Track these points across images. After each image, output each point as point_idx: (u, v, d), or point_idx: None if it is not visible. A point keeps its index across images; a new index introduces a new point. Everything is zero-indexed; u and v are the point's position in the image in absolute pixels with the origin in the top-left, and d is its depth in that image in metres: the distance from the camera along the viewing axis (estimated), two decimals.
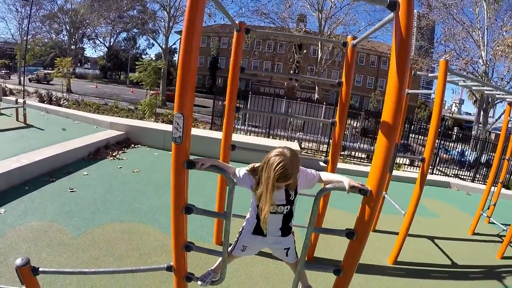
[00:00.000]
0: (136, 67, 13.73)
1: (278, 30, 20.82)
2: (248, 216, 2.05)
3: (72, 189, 4.31)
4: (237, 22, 2.61)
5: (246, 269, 3.06)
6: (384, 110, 1.59)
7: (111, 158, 5.93)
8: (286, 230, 1.95)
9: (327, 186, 1.75)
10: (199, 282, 1.98)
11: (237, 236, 2.12)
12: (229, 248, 2.10)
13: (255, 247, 2.10)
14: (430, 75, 3.97)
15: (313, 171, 1.89)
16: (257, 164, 1.81)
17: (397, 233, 3.73)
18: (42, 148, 5.29)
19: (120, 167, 5.47)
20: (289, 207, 1.84)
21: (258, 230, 1.94)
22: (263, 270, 3.10)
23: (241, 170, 1.84)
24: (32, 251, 2.89)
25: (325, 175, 1.90)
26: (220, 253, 1.81)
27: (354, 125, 13.99)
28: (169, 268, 1.84)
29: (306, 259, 1.99)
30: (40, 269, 1.79)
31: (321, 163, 3.07)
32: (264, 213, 1.69)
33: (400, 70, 1.50)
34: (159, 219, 3.84)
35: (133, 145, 7.00)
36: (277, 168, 1.61)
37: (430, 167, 6.61)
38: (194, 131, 8.09)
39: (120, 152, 6.37)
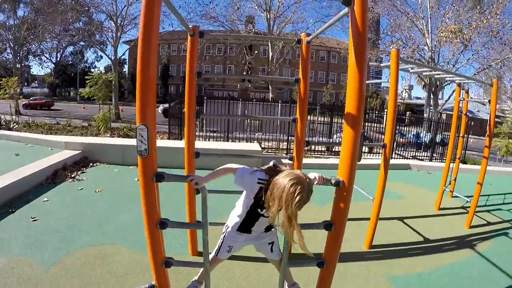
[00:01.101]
0: (87, 81, 13.16)
1: (227, 33, 20.91)
2: (232, 214, 2.01)
3: (34, 218, 4.02)
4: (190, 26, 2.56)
5: (227, 275, 3.03)
6: (347, 102, 1.63)
7: (71, 180, 5.62)
8: (269, 227, 1.97)
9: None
10: None
11: (220, 239, 2.08)
12: (213, 253, 2.06)
13: (240, 245, 2.09)
14: (382, 64, 4.15)
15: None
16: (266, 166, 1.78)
17: (367, 219, 3.87)
18: None
19: (81, 189, 5.20)
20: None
21: (243, 228, 1.94)
22: (244, 274, 3.09)
23: (244, 175, 1.79)
24: None
25: None
26: (202, 264, 1.75)
27: (312, 119, 14.33)
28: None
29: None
30: None
31: (287, 160, 3.09)
32: (295, 239, 1.61)
33: (359, 62, 1.54)
34: (129, 237, 3.69)
35: (91, 164, 6.67)
36: (297, 200, 1.51)
37: None
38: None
39: (79, 172, 6.05)
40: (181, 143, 7.47)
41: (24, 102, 27.11)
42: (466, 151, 13.86)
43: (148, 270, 3.00)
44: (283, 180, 1.56)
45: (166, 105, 31.42)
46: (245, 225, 1.93)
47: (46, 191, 5.02)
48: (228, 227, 2.03)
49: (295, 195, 1.50)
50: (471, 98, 5.90)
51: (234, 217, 2.00)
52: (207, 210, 1.66)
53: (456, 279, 3.28)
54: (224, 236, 2.06)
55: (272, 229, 2.01)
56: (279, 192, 1.54)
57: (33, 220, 3.97)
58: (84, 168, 6.37)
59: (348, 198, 1.67)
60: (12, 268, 2.98)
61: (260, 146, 9.87)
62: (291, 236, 1.58)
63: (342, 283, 3.03)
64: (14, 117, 16.46)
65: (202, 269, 2.05)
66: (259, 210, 1.85)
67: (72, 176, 5.80)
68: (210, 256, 1.97)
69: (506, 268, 3.51)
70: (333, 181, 1.67)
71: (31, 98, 32.64)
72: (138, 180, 5.07)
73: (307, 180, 1.57)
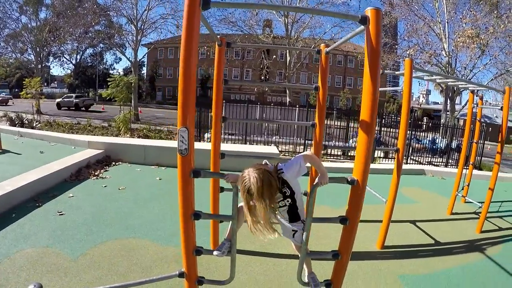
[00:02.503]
0: (108, 83, 13.56)
1: (246, 37, 21.07)
2: None
3: (60, 212, 4.25)
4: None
5: (246, 269, 3.20)
6: (362, 109, 1.81)
7: (94, 177, 5.88)
8: (294, 217, 2.13)
9: (317, 182, 1.93)
10: (215, 253, 2.04)
11: None
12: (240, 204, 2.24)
13: None
14: (397, 73, 4.29)
15: (296, 161, 2.00)
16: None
17: (380, 221, 4.00)
18: (23, 173, 5.16)
19: (105, 186, 5.45)
20: (289, 199, 2.01)
21: None
22: (262, 269, 3.25)
23: None
24: (32, 278, 2.83)
25: (308, 159, 2.04)
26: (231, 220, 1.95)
27: (328, 124, 14.37)
28: (181, 275, 1.94)
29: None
30: None
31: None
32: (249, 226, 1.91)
33: (373, 74, 1.72)
34: (153, 232, 3.90)
35: (114, 163, 6.94)
36: (242, 189, 1.79)
37: (404, 157, 6.94)
38: (175, 144, 8.14)
39: (102, 170, 6.32)
40: (200, 145, 7.71)
41: None
42: (483, 158, 13.71)
43: (172, 262, 3.24)
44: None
45: (60, 99, 31.69)
46: None
47: (70, 187, 5.27)
48: None
49: (241, 185, 1.79)
50: (486, 104, 5.94)
51: None
52: (236, 204, 1.85)
53: (465, 281, 3.38)
54: None
55: (299, 221, 2.15)
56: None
57: (59, 214, 4.20)
58: (107, 167, 6.64)
59: (361, 196, 1.85)
60: (41, 257, 3.17)
61: (278, 149, 10.04)
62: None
63: (354, 279, 3.18)
64: (35, 116, 17.04)
65: (229, 227, 2.17)
66: None
67: (96, 174, 6.06)
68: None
69: None
70: (349, 179, 1.85)
71: None
72: (160, 179, 5.32)
73: (254, 170, 1.80)
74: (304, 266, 2.29)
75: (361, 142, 1.82)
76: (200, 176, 1.68)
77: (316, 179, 1.94)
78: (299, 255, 2.06)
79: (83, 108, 31.10)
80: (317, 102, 3.04)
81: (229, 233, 2.20)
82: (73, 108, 30.74)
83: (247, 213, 1.87)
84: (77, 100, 31.24)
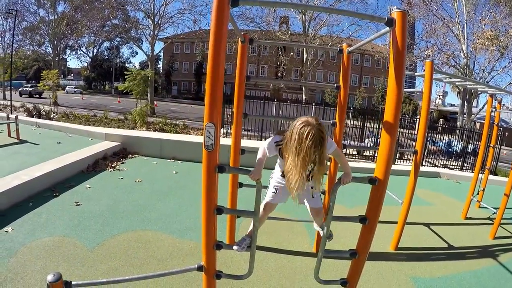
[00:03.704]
0: (125, 76, 13.73)
1: (263, 34, 21.00)
2: (274, 170, 2.31)
3: (77, 202, 4.33)
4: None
5: (261, 265, 3.24)
6: (386, 110, 1.83)
7: (111, 169, 5.98)
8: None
9: (341, 180, 1.96)
10: (234, 247, 2.09)
11: (267, 189, 2.33)
12: (263, 202, 2.29)
13: (285, 189, 2.23)
14: (416, 74, 4.25)
15: (331, 142, 2.09)
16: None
17: (395, 222, 3.98)
18: (40, 163, 5.28)
19: (121, 178, 5.54)
20: (313, 165, 2.03)
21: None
22: (276, 265, 3.29)
23: (267, 147, 2.09)
24: (49, 267, 2.86)
25: (339, 151, 2.14)
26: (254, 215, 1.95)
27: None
28: (199, 268, 1.97)
29: (314, 251, 2.15)
30: (73, 283, 1.78)
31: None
32: (293, 185, 1.89)
33: (398, 75, 1.73)
34: (169, 225, 3.96)
35: (130, 155, 7.05)
36: (308, 138, 1.77)
37: None
38: (191, 138, 8.22)
39: (118, 163, 6.43)
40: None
41: None
42: (499, 163, 13.43)
43: (188, 255, 3.29)
44: (293, 128, 1.84)
45: (21, 88, 34.89)
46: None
47: (87, 178, 5.36)
48: (272, 178, 2.32)
49: (306, 134, 1.77)
50: (506, 108, 5.83)
51: (277, 172, 2.27)
52: (259, 200, 1.88)
53: (476, 285, 3.35)
54: (270, 181, 2.32)
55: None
56: (292, 139, 1.83)
57: (76, 205, 4.27)
58: (124, 159, 6.76)
59: (382, 196, 1.87)
60: (58, 246, 3.22)
61: None
62: (318, 179, 1.98)
63: (367, 279, 3.18)
64: (52, 107, 17.39)
65: (251, 225, 2.24)
66: None
67: (112, 166, 6.17)
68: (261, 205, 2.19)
69: None
70: (370, 179, 1.87)
71: None
72: (176, 173, 5.39)
73: (316, 122, 1.82)
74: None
75: (384, 142, 1.83)
76: (225, 171, 1.71)
77: (340, 177, 1.96)
78: (319, 250, 2.07)
79: (36, 96, 34.55)
80: (338, 101, 3.04)
81: (250, 230, 2.25)
82: (27, 95, 34.74)
83: (301, 163, 1.82)
84: (30, 89, 35.79)
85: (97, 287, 2.42)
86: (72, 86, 43.77)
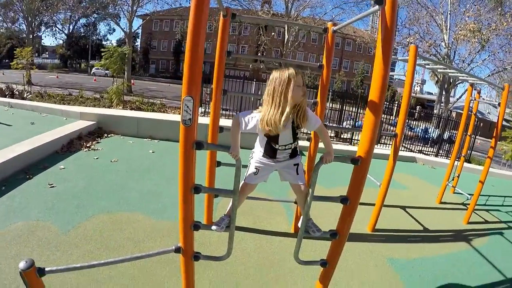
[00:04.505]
0: (102, 54, 13.22)
1: (244, 12, 20.55)
2: (254, 150, 2.23)
3: (51, 184, 4.15)
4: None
5: (240, 246, 3.22)
6: (371, 90, 1.79)
7: (86, 149, 5.78)
8: (294, 154, 2.16)
9: (322, 159, 1.92)
10: (213, 227, 2.02)
11: (247, 168, 2.26)
12: (242, 182, 2.21)
13: (266, 169, 2.20)
14: (400, 58, 4.23)
15: (316, 118, 2.07)
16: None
17: (372, 204, 4.05)
18: (13, 145, 5.00)
19: (97, 158, 5.37)
20: (295, 143, 2.07)
21: (267, 154, 2.12)
22: (255, 245, 3.28)
23: (246, 118, 2.02)
24: (23, 253, 2.76)
25: (323, 128, 2.10)
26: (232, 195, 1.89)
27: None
28: (177, 250, 1.91)
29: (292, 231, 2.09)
30: (46, 269, 1.68)
31: (305, 141, 3.28)
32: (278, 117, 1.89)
33: (385, 55, 1.69)
34: (147, 206, 3.87)
35: (106, 135, 6.83)
36: (289, 77, 1.85)
37: None
38: (169, 117, 8.03)
39: (94, 142, 6.22)
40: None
41: None
42: (472, 152, 13.92)
43: (165, 236, 3.23)
44: (272, 77, 1.93)
45: None
46: (267, 152, 2.12)
47: (62, 159, 5.16)
48: (253, 156, 2.24)
49: (285, 73, 1.86)
50: (482, 99, 5.96)
51: (257, 151, 2.20)
52: (239, 178, 1.82)
53: (451, 268, 3.46)
54: (250, 161, 2.24)
55: (298, 155, 2.19)
56: (272, 84, 1.91)
57: (50, 187, 4.10)
58: (99, 139, 6.54)
59: (364, 176, 1.85)
60: (32, 231, 3.09)
61: None
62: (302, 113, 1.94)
63: (345, 259, 3.20)
64: (26, 87, 16.62)
65: (230, 204, 2.18)
66: (273, 144, 2.06)
67: (87, 145, 5.96)
68: (240, 185, 2.10)
69: (498, 265, 3.68)
70: (352, 159, 1.84)
71: None
72: (153, 152, 5.26)
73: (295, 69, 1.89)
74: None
75: (368, 122, 1.80)
76: (203, 148, 1.63)
77: (322, 155, 1.93)
78: (299, 230, 2.05)
79: None
80: (320, 80, 2.99)
81: (229, 209, 2.18)
82: None
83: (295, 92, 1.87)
84: None
85: (72, 272, 2.31)
86: (102, 69, 36.05)
